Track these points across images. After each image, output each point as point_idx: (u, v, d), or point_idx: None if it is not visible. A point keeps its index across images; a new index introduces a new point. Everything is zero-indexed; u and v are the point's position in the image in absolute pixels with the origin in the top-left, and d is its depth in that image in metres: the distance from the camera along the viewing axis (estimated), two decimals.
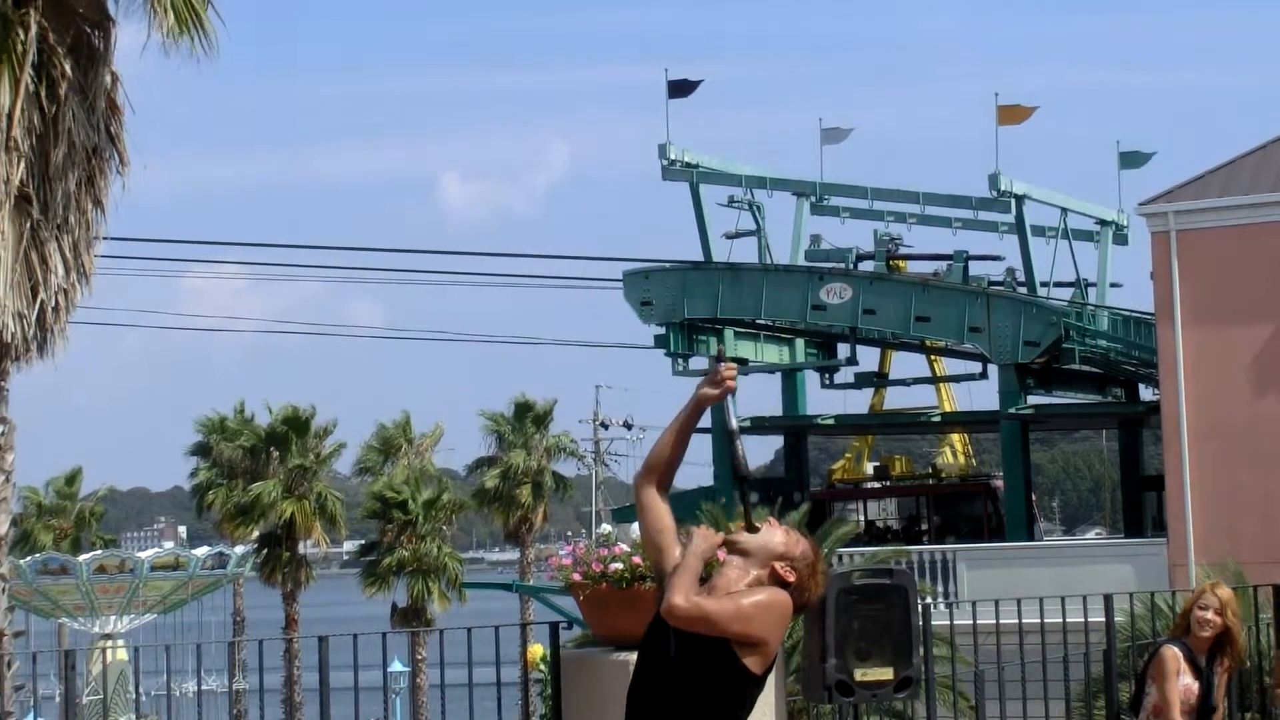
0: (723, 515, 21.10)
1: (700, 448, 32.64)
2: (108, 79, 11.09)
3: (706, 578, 5.01)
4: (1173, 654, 8.46)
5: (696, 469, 35.17)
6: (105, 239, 11.27)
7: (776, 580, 4.94)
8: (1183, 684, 8.46)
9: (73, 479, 51.26)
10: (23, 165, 10.37)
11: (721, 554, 5.02)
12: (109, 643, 30.97)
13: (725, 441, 5.24)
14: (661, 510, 5.10)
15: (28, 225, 10.49)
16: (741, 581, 4.94)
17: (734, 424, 5.20)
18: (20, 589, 31.49)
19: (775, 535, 5.00)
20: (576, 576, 7.13)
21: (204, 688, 10.77)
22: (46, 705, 30.08)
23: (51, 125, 10.54)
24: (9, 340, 10.37)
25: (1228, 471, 26.57)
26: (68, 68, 10.63)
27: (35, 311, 10.31)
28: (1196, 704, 8.46)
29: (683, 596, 4.81)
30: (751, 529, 5.02)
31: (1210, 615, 8.48)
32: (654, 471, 5.13)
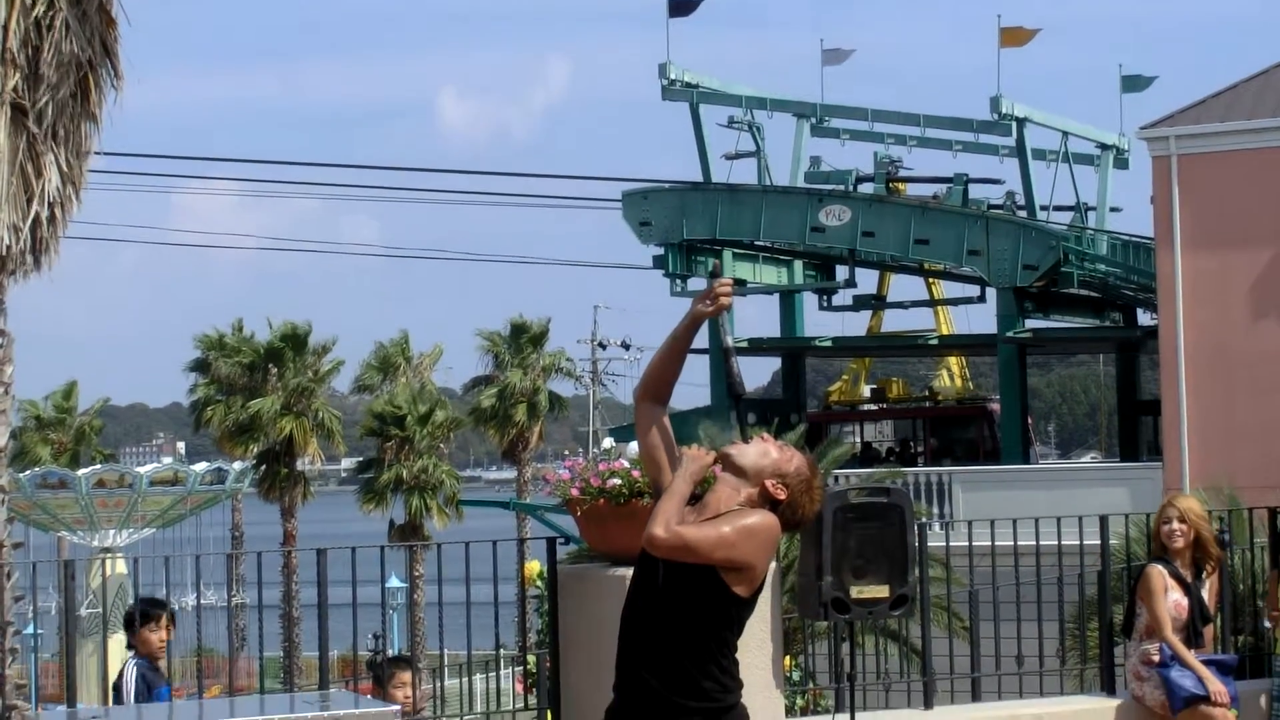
0: (719, 435, 21.13)
1: (697, 368, 32.67)
2: None
3: (700, 495, 5.00)
4: (1158, 572, 8.54)
5: (694, 389, 35.25)
6: (100, 154, 11.17)
7: (767, 498, 4.91)
8: (1172, 600, 8.53)
9: (69, 393, 51.18)
10: (17, 76, 10.28)
11: (716, 469, 5.01)
12: (108, 555, 31.10)
13: (721, 359, 5.24)
14: (658, 426, 5.10)
15: (23, 137, 10.41)
16: (733, 500, 4.91)
17: (729, 341, 5.18)
18: (20, 502, 31.57)
19: (770, 451, 4.97)
20: (575, 491, 7.11)
21: (203, 602, 10.80)
22: (45, 618, 30.29)
23: (46, 35, 10.43)
24: (4, 253, 10.32)
25: (1224, 396, 26.61)
26: None
27: (29, 223, 10.25)
28: (1188, 619, 8.53)
29: (662, 527, 4.77)
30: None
31: (1175, 525, 8.56)
32: (650, 386, 5.13)
